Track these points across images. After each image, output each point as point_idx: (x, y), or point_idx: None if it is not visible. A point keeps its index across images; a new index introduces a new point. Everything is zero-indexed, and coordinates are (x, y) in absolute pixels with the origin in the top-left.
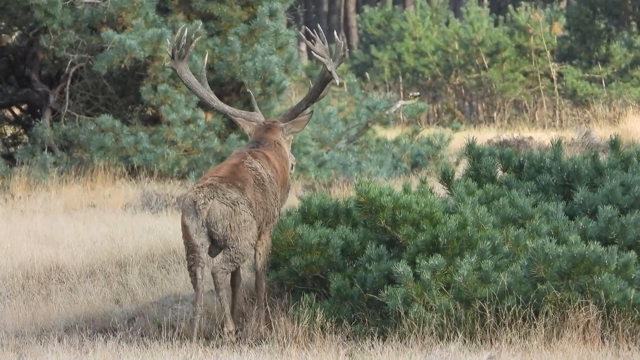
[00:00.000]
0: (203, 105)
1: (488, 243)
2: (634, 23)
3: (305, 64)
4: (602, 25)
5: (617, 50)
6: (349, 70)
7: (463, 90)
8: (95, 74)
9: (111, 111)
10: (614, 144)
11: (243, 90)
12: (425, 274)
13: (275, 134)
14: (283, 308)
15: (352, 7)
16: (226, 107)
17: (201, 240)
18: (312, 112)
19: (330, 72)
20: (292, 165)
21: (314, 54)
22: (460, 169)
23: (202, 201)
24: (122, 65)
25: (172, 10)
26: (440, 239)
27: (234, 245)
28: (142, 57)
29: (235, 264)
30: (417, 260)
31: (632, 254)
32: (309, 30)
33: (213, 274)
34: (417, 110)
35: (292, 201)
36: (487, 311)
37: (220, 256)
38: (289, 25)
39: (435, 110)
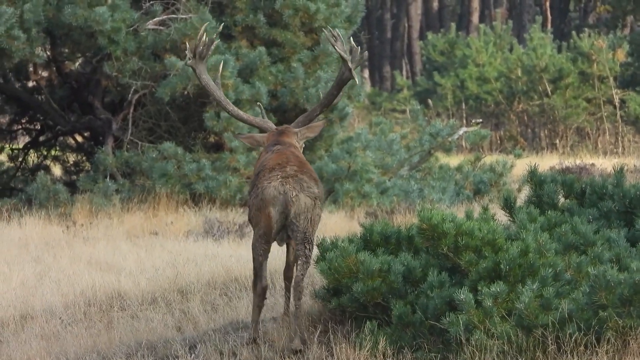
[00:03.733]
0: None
1: (550, 270)
2: None
3: (368, 90)
4: None
5: None
6: (412, 97)
7: (526, 117)
8: (158, 101)
9: (174, 138)
10: None
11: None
12: (487, 300)
13: (290, 138)
14: (345, 335)
15: (415, 34)
16: (241, 113)
17: (278, 232)
18: (326, 118)
19: (350, 71)
20: None
21: (337, 51)
22: (523, 196)
23: (294, 193)
24: (185, 92)
25: (236, 36)
26: (502, 266)
27: (310, 240)
28: None
29: (309, 260)
30: (479, 287)
31: None
32: (331, 30)
33: (297, 284)
34: (480, 137)
35: (354, 228)
36: (549, 338)
37: (298, 263)
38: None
39: (497, 137)
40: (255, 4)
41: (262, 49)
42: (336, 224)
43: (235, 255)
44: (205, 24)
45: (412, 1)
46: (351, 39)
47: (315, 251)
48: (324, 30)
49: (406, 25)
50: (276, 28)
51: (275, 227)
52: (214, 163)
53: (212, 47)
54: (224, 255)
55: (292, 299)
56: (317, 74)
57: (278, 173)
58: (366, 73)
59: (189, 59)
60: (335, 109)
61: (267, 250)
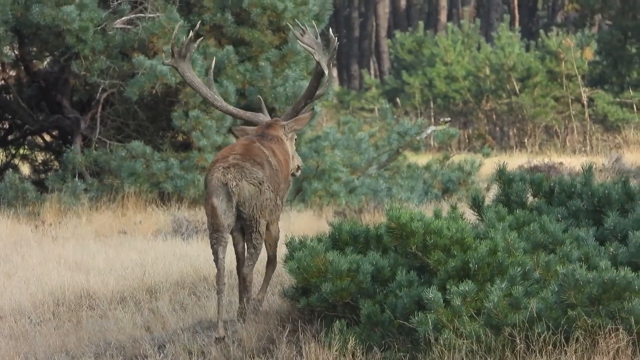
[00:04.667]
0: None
1: (518, 269)
2: None
3: (336, 89)
4: (634, 50)
5: None
6: (380, 96)
7: (494, 116)
8: (126, 100)
9: (142, 137)
10: None
11: (274, 116)
12: (455, 300)
13: (276, 130)
14: (314, 334)
15: (383, 33)
16: (230, 108)
17: (228, 221)
18: (313, 110)
19: (318, 63)
20: (299, 167)
21: (301, 44)
22: (491, 195)
23: (234, 183)
24: (154, 91)
25: (204, 35)
26: (470, 265)
27: (256, 227)
28: (173, 83)
29: (258, 250)
30: (448, 286)
31: None
32: (299, 24)
33: (245, 277)
34: (448, 136)
35: (323, 227)
36: (518, 337)
37: (246, 255)
38: None
39: (466, 136)
40: (223, 3)
41: (230, 47)
42: (304, 223)
43: (203, 254)
44: (179, 23)
45: (379, 0)
46: (330, 29)
47: (284, 250)
48: (290, 25)
49: (374, 23)
50: (244, 27)
51: (222, 218)
52: (182, 162)
53: (195, 45)
54: (192, 255)
55: (239, 292)
56: (285, 72)
57: (220, 164)
58: (334, 72)
59: (171, 57)
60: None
61: (220, 240)
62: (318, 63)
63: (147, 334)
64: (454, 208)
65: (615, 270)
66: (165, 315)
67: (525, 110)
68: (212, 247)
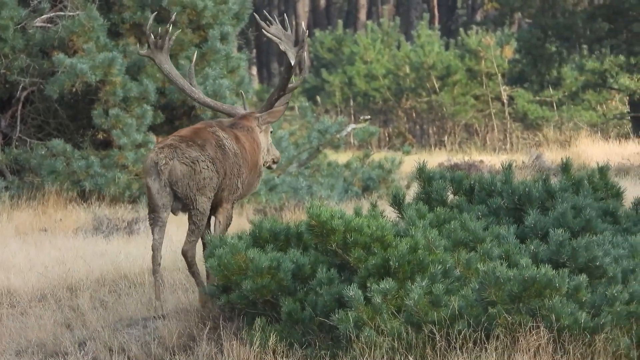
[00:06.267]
0: (154, 129)
1: (439, 267)
2: (584, 46)
3: (256, 87)
4: (553, 49)
5: (568, 74)
6: (300, 94)
7: (414, 114)
8: (46, 98)
9: (62, 135)
10: (565, 167)
11: (194, 114)
12: (376, 297)
13: (249, 121)
14: (234, 332)
15: None
16: (208, 100)
17: (163, 201)
18: (287, 103)
19: (284, 53)
20: (276, 159)
21: (266, 34)
22: (411, 193)
23: (164, 162)
24: (74, 90)
25: (124, 34)
26: (391, 263)
27: (194, 205)
28: (93, 81)
29: (199, 227)
30: (368, 284)
31: (583, 277)
32: (267, 14)
33: (184, 253)
34: (368, 134)
35: (243, 225)
36: (438, 335)
37: (186, 232)
38: (240, 49)
39: (386, 134)
40: (143, 2)
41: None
42: None
43: (124, 252)
44: (154, 14)
45: None
46: (299, 21)
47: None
48: (257, 16)
49: (294, 22)
50: (163, 25)
51: (156, 197)
52: (102, 160)
53: (173, 37)
54: (113, 252)
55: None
56: (205, 71)
57: (158, 145)
58: (254, 70)
59: (147, 49)
60: None
61: (156, 220)
62: (284, 54)
63: (67, 332)
64: (374, 206)
65: (535, 268)
66: (86, 312)
67: (445, 108)
68: (150, 226)
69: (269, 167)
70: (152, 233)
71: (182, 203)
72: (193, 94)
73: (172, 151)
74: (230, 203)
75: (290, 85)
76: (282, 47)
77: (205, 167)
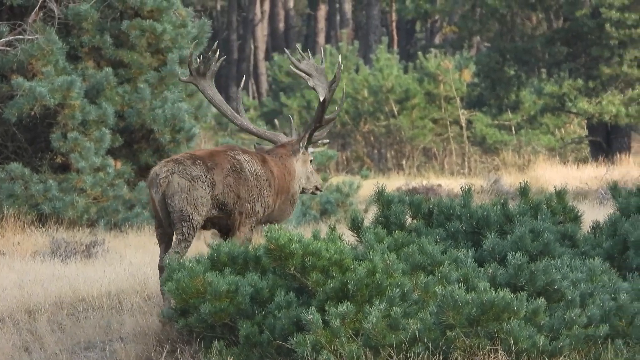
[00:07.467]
0: (112, 152)
1: (397, 290)
2: (543, 70)
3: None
4: (512, 72)
5: (527, 97)
6: (259, 118)
7: (372, 138)
8: (4, 122)
9: (20, 159)
10: (523, 191)
11: (153, 138)
12: (334, 321)
13: (285, 149)
14: (192, 355)
15: (261, 55)
16: (251, 126)
17: (164, 214)
18: (328, 142)
19: (313, 88)
20: (319, 185)
21: (294, 70)
22: (370, 217)
23: (164, 175)
24: (32, 113)
25: (82, 57)
26: (349, 286)
27: (187, 220)
28: (52, 105)
29: (188, 241)
30: (327, 307)
31: (541, 300)
32: (299, 50)
33: (162, 268)
34: (326, 158)
35: (201, 248)
36: (397, 358)
37: (173, 240)
38: None
39: (344, 158)
40: (102, 25)
41: (109, 69)
42: None
43: (82, 275)
44: (195, 42)
45: (258, 22)
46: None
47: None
48: (287, 52)
49: (252, 46)
50: (123, 49)
51: (159, 209)
52: (60, 184)
53: (218, 63)
54: (71, 275)
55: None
56: (164, 94)
57: (165, 160)
58: None
59: (189, 75)
60: (182, 129)
61: (162, 237)
62: (314, 89)
63: (25, 355)
64: (332, 229)
65: (494, 292)
66: (44, 335)
67: (404, 132)
68: (158, 245)
69: (313, 193)
70: (160, 252)
71: (172, 217)
72: (236, 120)
73: (176, 166)
74: (247, 226)
75: (327, 117)
76: (310, 84)
77: (202, 187)
